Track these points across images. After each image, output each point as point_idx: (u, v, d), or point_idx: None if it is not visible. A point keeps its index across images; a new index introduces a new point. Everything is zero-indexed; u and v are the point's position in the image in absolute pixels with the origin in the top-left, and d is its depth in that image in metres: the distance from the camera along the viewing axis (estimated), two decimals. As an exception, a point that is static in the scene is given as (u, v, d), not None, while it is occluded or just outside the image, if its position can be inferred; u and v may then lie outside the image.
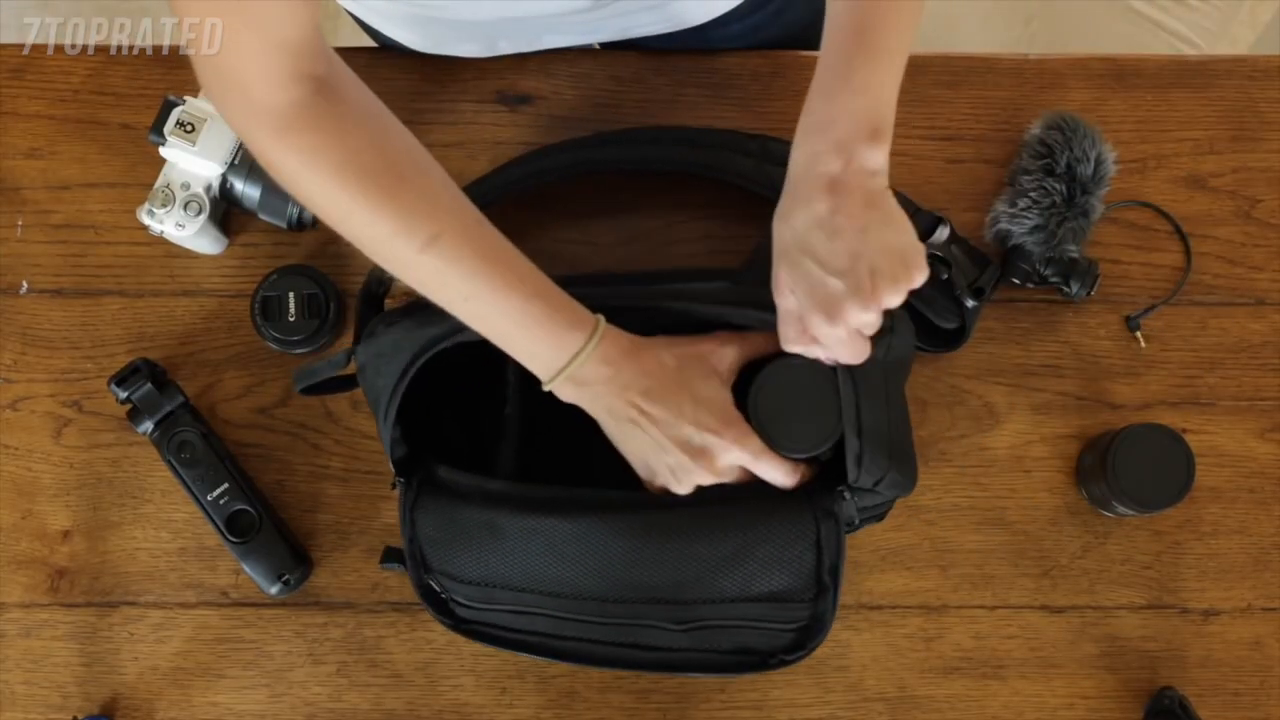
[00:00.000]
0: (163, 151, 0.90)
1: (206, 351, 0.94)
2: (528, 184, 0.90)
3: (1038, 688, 0.91)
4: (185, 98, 0.90)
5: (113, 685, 0.91)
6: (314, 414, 0.93)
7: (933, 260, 0.83)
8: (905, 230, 0.71)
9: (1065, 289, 0.91)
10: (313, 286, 0.92)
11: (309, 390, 0.84)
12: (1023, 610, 0.91)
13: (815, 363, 0.75)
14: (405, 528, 0.81)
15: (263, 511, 0.89)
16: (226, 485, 0.89)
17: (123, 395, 0.88)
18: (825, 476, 0.77)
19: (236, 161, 0.90)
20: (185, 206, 0.90)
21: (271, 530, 0.89)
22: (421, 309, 0.79)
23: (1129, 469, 0.85)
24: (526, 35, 0.95)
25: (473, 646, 0.87)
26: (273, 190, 0.90)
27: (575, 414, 0.77)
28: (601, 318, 0.76)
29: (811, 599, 0.77)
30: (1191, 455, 0.85)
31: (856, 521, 0.79)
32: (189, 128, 0.89)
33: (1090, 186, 0.90)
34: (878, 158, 0.70)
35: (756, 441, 0.75)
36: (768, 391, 0.76)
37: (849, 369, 0.75)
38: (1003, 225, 0.91)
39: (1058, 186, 0.89)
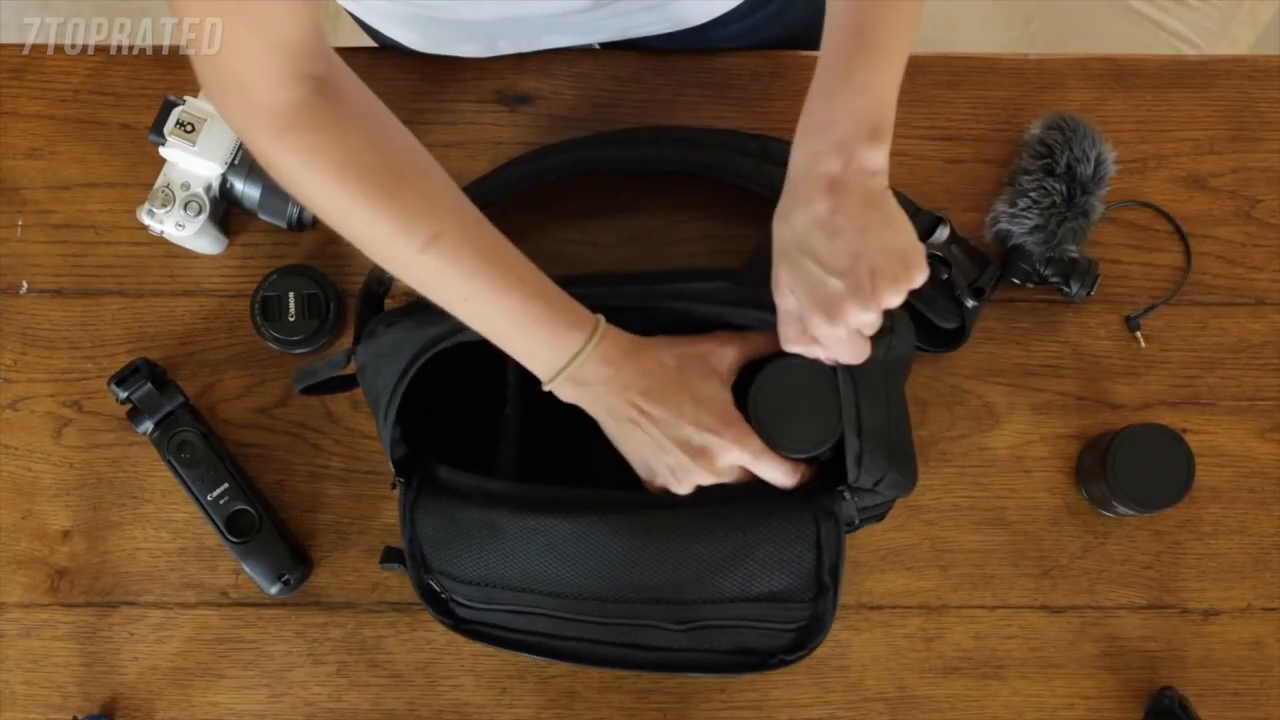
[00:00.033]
0: (163, 151, 0.90)
1: (206, 351, 0.94)
2: (528, 184, 0.90)
3: (1038, 688, 0.91)
4: (185, 98, 0.90)
5: (113, 685, 0.91)
6: (314, 414, 0.93)
7: (933, 260, 0.83)
8: (905, 230, 0.71)
9: (1065, 289, 0.91)
10: (313, 286, 0.92)
11: (309, 390, 0.84)
12: (1023, 610, 0.91)
13: (815, 363, 0.75)
14: (405, 528, 0.81)
15: (263, 511, 0.89)
16: (226, 485, 0.89)
17: (123, 395, 0.88)
18: (825, 476, 0.77)
19: (236, 161, 0.90)
20: (185, 206, 0.90)
21: (271, 530, 0.89)
22: (421, 309, 0.79)
23: (1129, 469, 0.85)
24: (526, 35, 0.95)
25: (473, 646, 0.87)
26: (273, 190, 0.90)
27: (575, 414, 0.77)
28: (601, 318, 0.76)
29: (811, 599, 0.77)
30: (1191, 455, 0.85)
31: (856, 521, 0.79)
32: (189, 128, 0.89)
33: (1090, 186, 0.90)
34: (878, 158, 0.70)
35: (756, 441, 0.75)
36: (768, 391, 0.76)
37: (849, 369, 0.75)
38: (1003, 225, 0.91)
39: (1058, 186, 0.89)
